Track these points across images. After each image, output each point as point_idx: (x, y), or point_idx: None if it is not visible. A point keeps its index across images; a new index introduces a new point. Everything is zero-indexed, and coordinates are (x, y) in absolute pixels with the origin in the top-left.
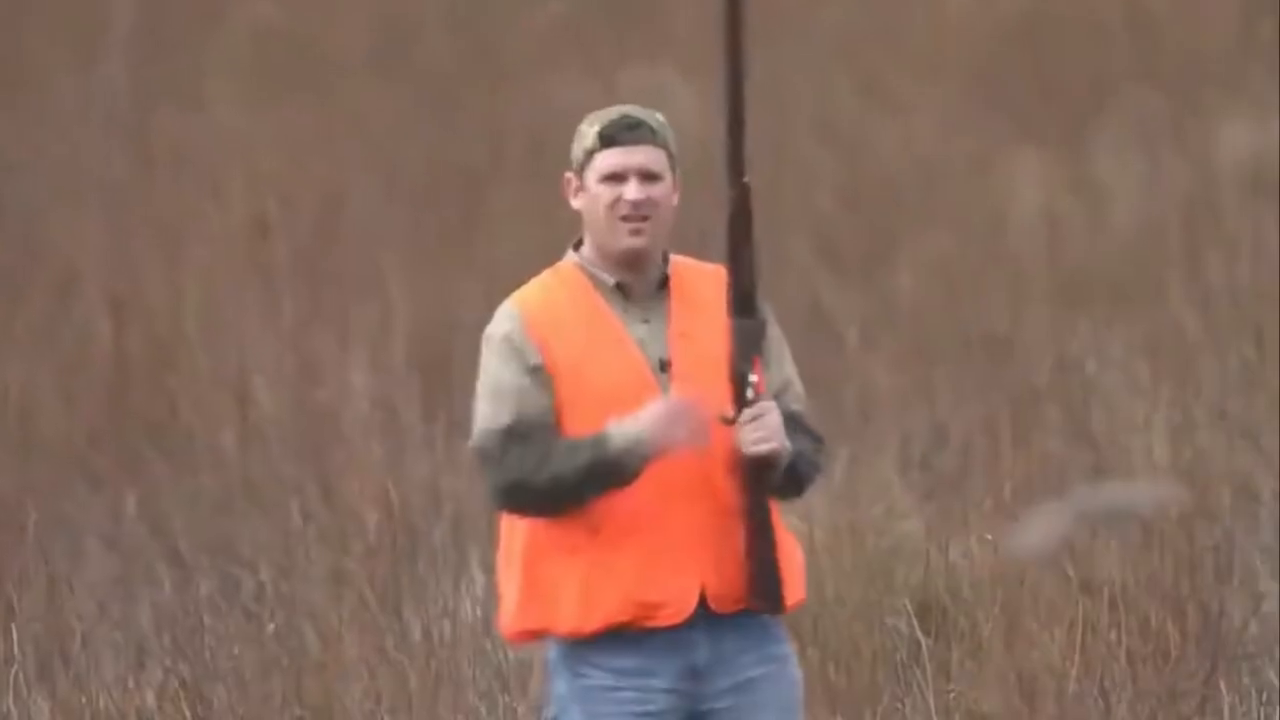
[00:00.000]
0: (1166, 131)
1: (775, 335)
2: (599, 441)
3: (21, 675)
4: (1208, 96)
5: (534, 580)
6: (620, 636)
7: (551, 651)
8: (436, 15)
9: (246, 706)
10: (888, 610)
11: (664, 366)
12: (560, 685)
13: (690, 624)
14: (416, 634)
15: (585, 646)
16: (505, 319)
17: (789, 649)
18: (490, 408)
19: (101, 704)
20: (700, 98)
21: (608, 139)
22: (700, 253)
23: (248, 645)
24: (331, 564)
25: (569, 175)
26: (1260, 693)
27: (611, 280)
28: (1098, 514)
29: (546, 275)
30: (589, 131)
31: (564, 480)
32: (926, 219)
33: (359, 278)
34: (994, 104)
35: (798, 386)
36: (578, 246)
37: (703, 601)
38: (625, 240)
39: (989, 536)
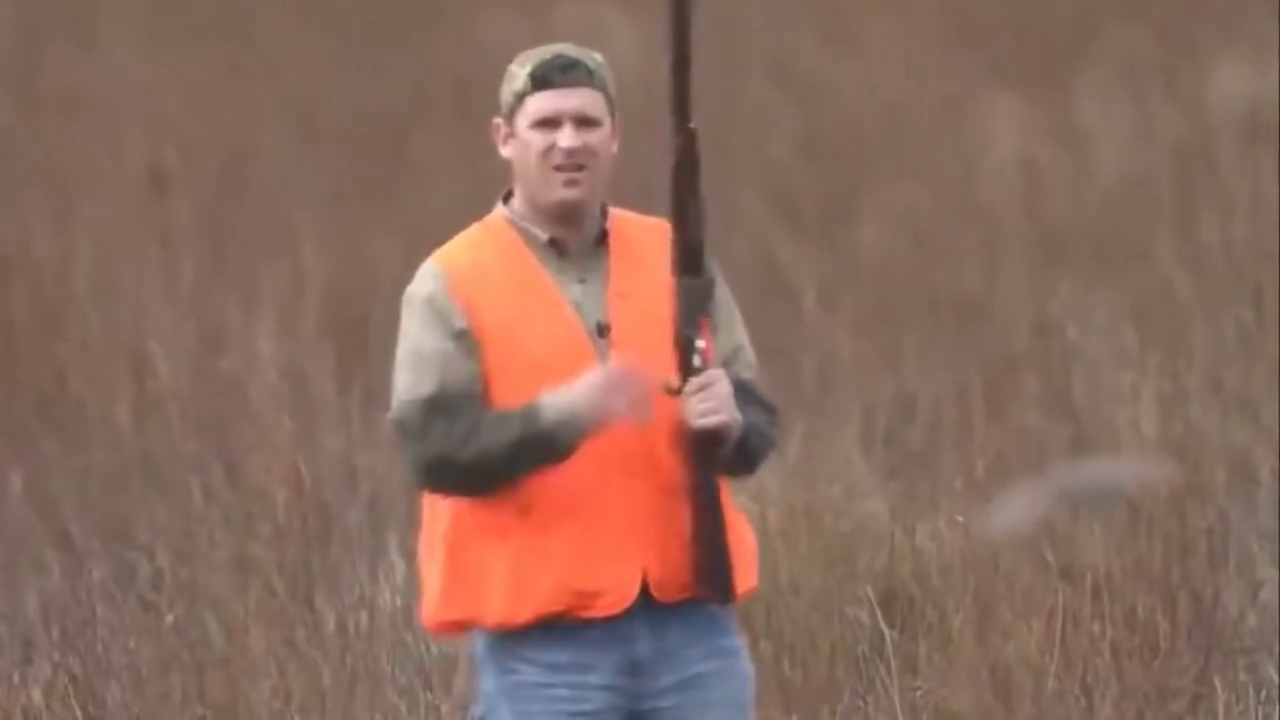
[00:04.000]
0: (1156, 75)
1: (724, 296)
2: (530, 413)
3: None
4: (1201, 37)
5: (459, 566)
6: (554, 629)
7: (478, 645)
8: None
9: (143, 705)
10: (848, 599)
11: (602, 331)
12: (488, 681)
13: (630, 614)
14: (330, 626)
15: (515, 640)
16: (428, 279)
17: (739, 642)
18: (411, 377)
19: None
20: (642, 36)
21: (540, 80)
22: (642, 205)
23: (144, 638)
24: (236, 549)
25: (497, 121)
26: (1258, 689)
27: (544, 236)
28: (1080, 492)
29: (474, 230)
30: (519, 73)
31: (492, 455)
32: (893, 169)
33: (267, 235)
34: (967, 44)
35: (749, 353)
36: (507, 199)
37: (645, 590)
38: (559, 192)
39: (960, 518)
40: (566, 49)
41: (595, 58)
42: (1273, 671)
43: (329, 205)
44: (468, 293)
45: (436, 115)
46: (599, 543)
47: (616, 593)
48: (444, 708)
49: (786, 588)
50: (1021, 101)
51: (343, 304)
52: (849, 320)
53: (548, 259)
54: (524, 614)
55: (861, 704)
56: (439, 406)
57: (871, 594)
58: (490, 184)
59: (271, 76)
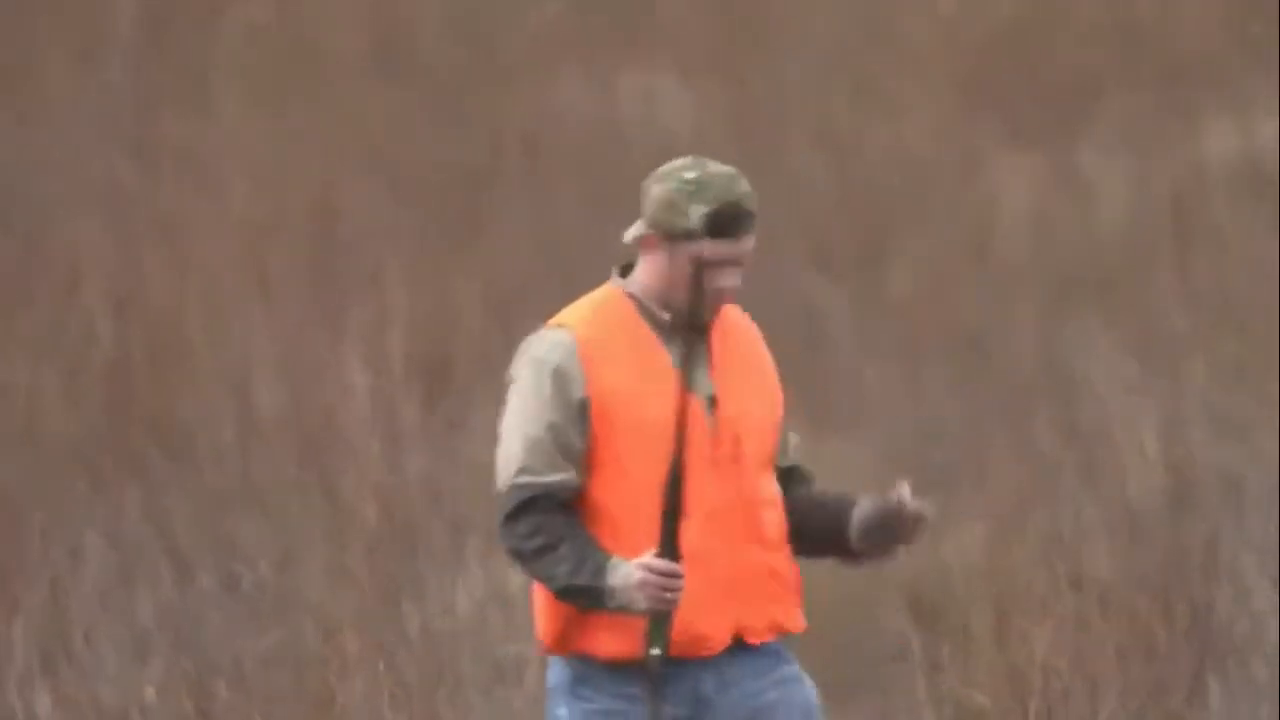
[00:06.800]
0: (1154, 132)
1: None
2: (599, 572)
3: (24, 670)
4: (1194, 98)
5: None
6: (631, 664)
7: (553, 676)
8: (434, 17)
9: (247, 700)
10: (881, 605)
11: (712, 404)
12: (561, 710)
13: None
14: (415, 628)
15: (596, 672)
16: (559, 347)
17: (797, 668)
18: (519, 458)
19: (104, 697)
20: (696, 100)
21: (717, 229)
22: None
23: (249, 640)
24: (331, 560)
25: (650, 234)
26: (1247, 685)
27: (666, 316)
28: None
29: (594, 302)
30: (692, 212)
31: (555, 582)
32: (917, 220)
33: (358, 278)
34: (984, 106)
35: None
36: (624, 272)
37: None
38: (708, 315)
39: (979, 532)
40: (741, 195)
41: (754, 198)
42: (1261, 670)
43: (413, 250)
44: (595, 359)
45: (510, 170)
46: (703, 599)
47: (714, 640)
48: (517, 702)
49: (826, 595)
50: (1032, 158)
51: (426, 340)
52: (878, 355)
53: (660, 332)
54: (637, 649)
55: (892, 698)
56: (534, 508)
57: (901, 600)
58: (558, 233)
59: (360, 135)
